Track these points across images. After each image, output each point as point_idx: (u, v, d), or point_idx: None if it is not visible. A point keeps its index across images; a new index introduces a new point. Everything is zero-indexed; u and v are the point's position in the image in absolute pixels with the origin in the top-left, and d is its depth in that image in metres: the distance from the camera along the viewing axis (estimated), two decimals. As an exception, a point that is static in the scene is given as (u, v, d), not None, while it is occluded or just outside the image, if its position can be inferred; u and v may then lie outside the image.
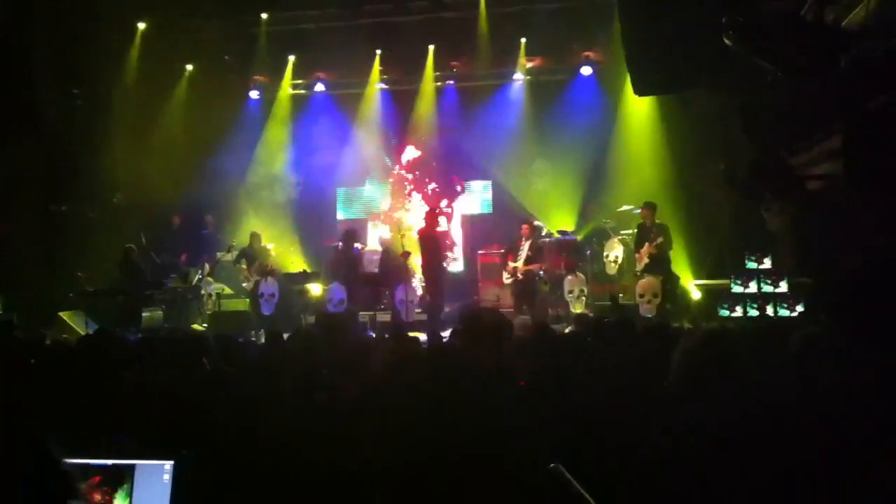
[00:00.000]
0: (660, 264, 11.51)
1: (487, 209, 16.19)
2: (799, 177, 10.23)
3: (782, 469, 2.55)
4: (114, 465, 2.60)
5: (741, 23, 8.19)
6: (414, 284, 13.34)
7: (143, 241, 13.75)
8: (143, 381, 4.10)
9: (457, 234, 15.92)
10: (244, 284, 13.62)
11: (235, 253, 13.83)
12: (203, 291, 13.65)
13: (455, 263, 15.33)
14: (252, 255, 13.65)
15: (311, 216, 15.92)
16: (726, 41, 8.24)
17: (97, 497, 2.55)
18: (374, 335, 10.38)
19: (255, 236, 13.96)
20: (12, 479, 1.54)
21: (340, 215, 16.48)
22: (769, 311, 10.06)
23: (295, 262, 14.86)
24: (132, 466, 2.59)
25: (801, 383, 3.57)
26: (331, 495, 2.70)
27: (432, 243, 12.03)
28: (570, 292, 12.47)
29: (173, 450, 2.72)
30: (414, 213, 15.55)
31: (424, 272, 12.29)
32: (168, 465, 2.64)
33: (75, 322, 12.07)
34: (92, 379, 3.65)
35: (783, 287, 10.36)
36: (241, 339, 7.87)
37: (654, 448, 2.42)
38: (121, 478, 2.58)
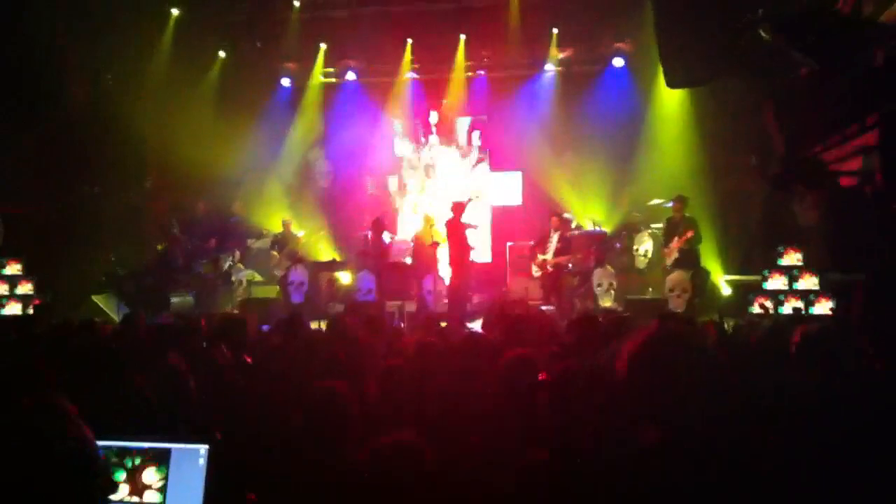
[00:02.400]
0: (689, 259, 11.45)
1: (517, 201, 16.12)
2: (832, 171, 10.13)
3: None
4: (150, 448, 2.65)
5: (777, 15, 8.11)
6: (442, 275, 13.33)
7: (176, 226, 13.83)
8: (180, 366, 4.14)
9: (486, 225, 15.83)
10: (276, 272, 13.74)
11: (268, 239, 13.97)
12: (234, 278, 13.75)
13: (483, 255, 15.24)
14: (283, 241, 13.82)
15: (340, 204, 15.94)
16: (762, 33, 8.17)
17: (134, 478, 2.60)
18: (402, 325, 10.43)
19: (285, 223, 14.17)
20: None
21: (370, 203, 16.45)
22: (801, 306, 9.91)
23: (324, 250, 14.95)
24: (168, 450, 2.63)
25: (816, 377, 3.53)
26: (363, 481, 2.72)
27: (459, 234, 12.01)
28: (599, 285, 12.40)
29: (209, 434, 2.76)
30: (441, 203, 15.50)
31: (451, 263, 12.30)
32: (203, 448, 2.67)
33: (107, 305, 12.23)
34: (129, 364, 3.70)
35: (815, 282, 10.22)
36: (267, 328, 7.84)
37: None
38: (157, 461, 2.63)
